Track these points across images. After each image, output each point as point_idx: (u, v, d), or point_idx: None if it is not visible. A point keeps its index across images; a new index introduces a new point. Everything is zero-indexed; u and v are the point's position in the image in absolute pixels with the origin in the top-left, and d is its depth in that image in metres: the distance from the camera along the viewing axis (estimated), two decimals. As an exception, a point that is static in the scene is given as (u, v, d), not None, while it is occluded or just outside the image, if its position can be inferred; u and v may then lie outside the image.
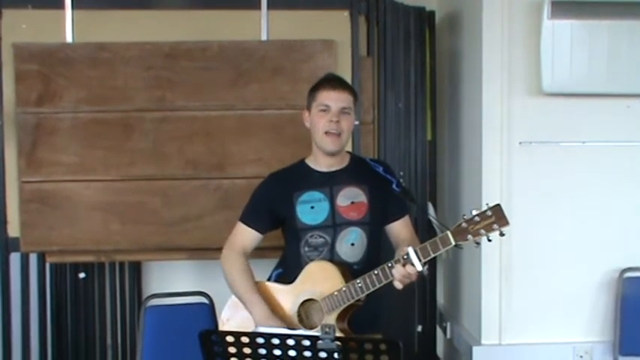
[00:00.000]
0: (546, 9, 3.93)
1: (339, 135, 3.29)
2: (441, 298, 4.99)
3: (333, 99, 3.29)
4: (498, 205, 2.94)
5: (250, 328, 3.23)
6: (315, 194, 3.36)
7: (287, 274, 3.40)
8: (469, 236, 2.95)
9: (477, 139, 4.19)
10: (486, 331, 4.20)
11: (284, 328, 3.17)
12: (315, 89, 3.36)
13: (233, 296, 3.44)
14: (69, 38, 4.23)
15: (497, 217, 2.92)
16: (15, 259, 4.40)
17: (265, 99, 4.23)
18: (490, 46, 4.11)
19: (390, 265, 3.08)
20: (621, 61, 3.96)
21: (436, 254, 3.02)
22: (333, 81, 3.37)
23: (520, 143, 4.13)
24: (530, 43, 4.05)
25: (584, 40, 3.94)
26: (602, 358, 4.20)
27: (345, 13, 4.35)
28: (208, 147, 4.23)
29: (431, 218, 4.48)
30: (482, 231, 2.93)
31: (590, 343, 4.20)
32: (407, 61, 4.47)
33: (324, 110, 3.29)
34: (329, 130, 3.28)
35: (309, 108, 3.38)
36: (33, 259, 4.47)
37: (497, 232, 2.92)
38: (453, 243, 2.97)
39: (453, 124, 4.77)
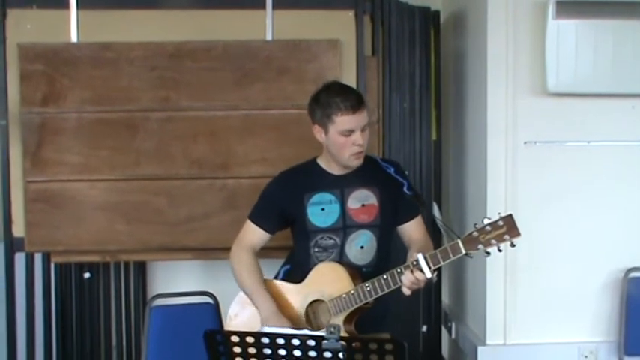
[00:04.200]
0: (551, 9, 3.92)
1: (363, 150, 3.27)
2: (445, 298, 4.99)
3: (355, 123, 3.19)
4: (510, 215, 2.92)
5: (257, 326, 3.24)
6: (326, 196, 3.34)
7: (295, 271, 3.41)
8: (480, 245, 2.94)
9: (482, 139, 4.19)
10: (491, 331, 4.20)
11: (289, 326, 3.17)
12: (329, 110, 3.20)
13: (241, 292, 3.44)
14: (74, 38, 4.23)
15: (508, 227, 2.91)
16: (20, 258, 4.40)
17: (270, 99, 4.23)
18: (495, 45, 4.11)
19: (399, 270, 3.07)
20: (626, 60, 3.96)
21: (446, 262, 3.01)
22: (349, 101, 3.19)
23: (525, 143, 4.13)
24: (535, 43, 4.05)
25: (588, 40, 3.94)
26: (607, 358, 4.20)
27: (350, 13, 4.35)
28: (213, 147, 4.23)
29: (436, 219, 4.48)
30: (494, 241, 2.93)
31: (595, 342, 4.20)
32: (412, 61, 4.46)
33: (347, 135, 3.20)
34: (356, 152, 3.24)
35: (322, 126, 3.25)
36: (38, 258, 4.47)
37: (509, 243, 2.92)
38: (464, 252, 2.97)
39: (457, 124, 4.77)
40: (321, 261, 3.32)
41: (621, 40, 3.95)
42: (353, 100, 3.21)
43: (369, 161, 3.41)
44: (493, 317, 4.19)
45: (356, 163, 3.27)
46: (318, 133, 3.29)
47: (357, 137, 3.20)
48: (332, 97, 3.22)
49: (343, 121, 3.18)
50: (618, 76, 3.98)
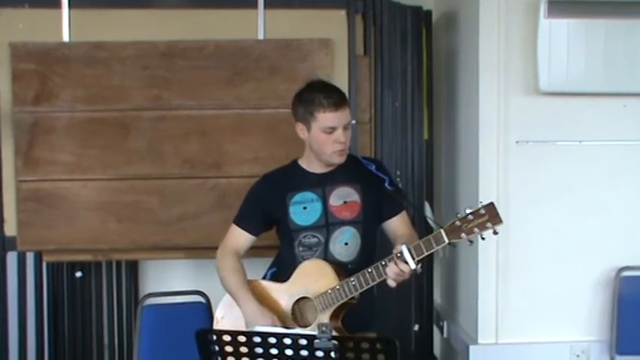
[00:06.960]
0: (543, 8, 3.93)
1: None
2: (437, 297, 4.99)
3: (336, 120, 3.21)
4: (492, 203, 2.93)
5: (244, 327, 3.24)
6: (308, 195, 3.35)
7: (282, 272, 3.40)
8: (463, 234, 2.95)
9: (474, 138, 4.19)
10: (483, 330, 4.20)
11: (276, 325, 3.18)
12: (311, 106, 3.23)
13: (227, 294, 3.44)
14: (66, 37, 4.23)
15: (490, 215, 2.91)
16: (12, 258, 4.40)
17: (262, 98, 4.23)
18: (487, 45, 4.11)
19: (383, 263, 3.08)
20: (618, 60, 3.96)
21: (430, 252, 3.03)
22: (331, 98, 3.22)
23: (517, 142, 4.13)
24: (526, 42, 4.05)
25: (580, 39, 3.95)
26: (599, 357, 4.20)
27: (342, 12, 4.35)
28: (205, 146, 4.23)
29: (427, 218, 4.47)
30: (476, 229, 2.93)
31: (587, 342, 4.20)
32: (404, 60, 4.47)
33: (329, 132, 3.22)
34: (338, 149, 3.25)
35: (305, 122, 3.27)
36: (30, 258, 4.47)
37: (491, 231, 2.92)
38: (447, 241, 2.97)
39: (449, 123, 4.78)
40: (307, 259, 3.33)
41: (613, 40, 3.96)
42: (335, 97, 3.24)
43: (349, 159, 3.42)
44: (485, 316, 4.19)
45: (338, 160, 3.28)
46: (301, 130, 3.32)
47: (339, 135, 3.22)
48: (314, 95, 3.25)
49: (325, 118, 3.21)
50: (610, 76, 3.99)
